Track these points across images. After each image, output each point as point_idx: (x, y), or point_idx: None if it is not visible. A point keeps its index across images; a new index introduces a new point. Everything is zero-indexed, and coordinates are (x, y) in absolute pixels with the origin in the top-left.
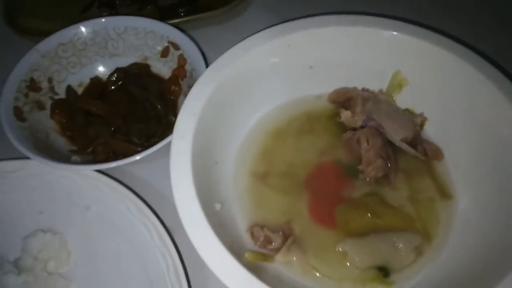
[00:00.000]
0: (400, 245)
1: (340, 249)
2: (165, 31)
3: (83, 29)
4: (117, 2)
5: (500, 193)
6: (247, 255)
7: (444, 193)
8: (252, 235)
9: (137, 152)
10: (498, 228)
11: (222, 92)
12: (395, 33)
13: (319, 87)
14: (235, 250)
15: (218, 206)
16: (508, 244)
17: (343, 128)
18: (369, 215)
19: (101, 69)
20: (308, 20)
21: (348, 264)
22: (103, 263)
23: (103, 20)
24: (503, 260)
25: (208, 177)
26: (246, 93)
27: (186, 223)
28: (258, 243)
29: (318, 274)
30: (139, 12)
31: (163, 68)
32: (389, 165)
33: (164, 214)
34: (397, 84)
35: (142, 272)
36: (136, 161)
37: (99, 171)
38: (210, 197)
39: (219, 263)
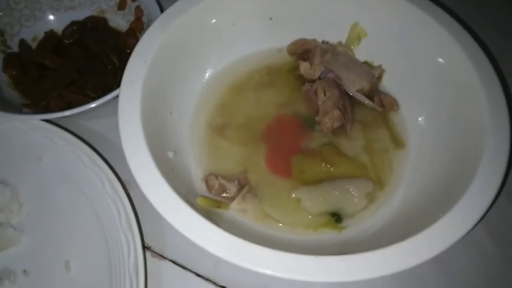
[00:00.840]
0: (353, 192)
1: (294, 195)
2: None
3: None
4: None
5: (447, 140)
6: (198, 200)
7: (398, 142)
8: (207, 183)
9: None
10: (443, 172)
11: (175, 41)
12: None
13: (280, 40)
14: (190, 198)
15: (171, 154)
16: (451, 186)
17: (302, 81)
18: (323, 164)
19: (56, 22)
20: None
21: (301, 210)
22: (56, 214)
23: None
24: (446, 199)
25: (161, 125)
26: (202, 44)
27: (135, 168)
28: (212, 191)
29: (272, 221)
30: None
31: (120, 21)
32: (345, 116)
33: (120, 167)
34: (355, 36)
35: (94, 221)
36: (93, 114)
37: (51, 122)
38: (162, 144)
39: (169, 208)
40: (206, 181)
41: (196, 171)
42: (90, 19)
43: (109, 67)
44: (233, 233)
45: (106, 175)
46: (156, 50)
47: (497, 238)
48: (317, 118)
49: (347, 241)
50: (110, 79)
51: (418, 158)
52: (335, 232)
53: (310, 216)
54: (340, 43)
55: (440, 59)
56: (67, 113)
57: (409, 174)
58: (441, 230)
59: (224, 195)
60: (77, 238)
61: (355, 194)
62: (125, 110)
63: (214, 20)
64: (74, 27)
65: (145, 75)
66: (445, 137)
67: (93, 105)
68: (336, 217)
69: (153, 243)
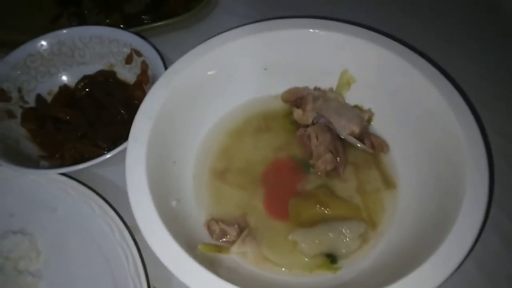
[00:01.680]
0: (346, 233)
1: (291, 238)
2: (127, 38)
3: (49, 40)
4: (86, 12)
5: (435, 179)
6: (200, 247)
7: (389, 183)
8: (209, 228)
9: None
10: (430, 211)
11: (178, 96)
12: (341, 34)
13: (275, 87)
14: (192, 244)
15: (174, 203)
16: (440, 223)
17: (297, 125)
18: (318, 206)
19: (69, 77)
20: (259, 24)
21: (298, 252)
22: (70, 260)
23: (68, 30)
24: (434, 237)
25: (165, 175)
26: (203, 96)
27: (140, 219)
28: (214, 236)
29: (270, 263)
30: (106, 19)
31: (128, 75)
32: (338, 159)
33: (128, 213)
34: (345, 82)
35: (105, 266)
36: (103, 163)
37: (66, 175)
38: (166, 194)
39: (171, 257)
40: (208, 226)
41: (198, 217)
42: (100, 72)
43: (118, 118)
44: (233, 281)
45: (115, 223)
46: (159, 107)
47: (483, 269)
48: (311, 161)
49: (341, 283)
50: (120, 130)
51: (407, 197)
52: (330, 273)
53: (306, 259)
54: (331, 89)
55: (423, 104)
56: (80, 166)
57: (400, 214)
58: (431, 268)
59: (225, 239)
60: (89, 282)
61: (348, 236)
62: (131, 165)
63: (212, 72)
64: (86, 81)
65: (149, 131)
66: (430, 176)
67: (104, 158)
68: (331, 258)
69: (159, 285)
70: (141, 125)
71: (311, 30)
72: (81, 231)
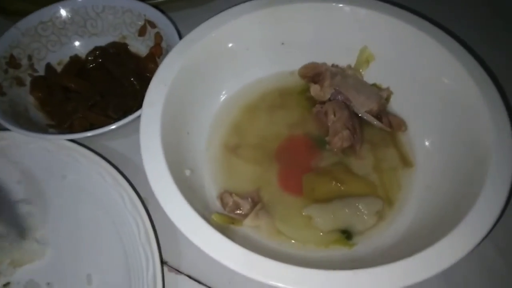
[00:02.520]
0: (362, 209)
1: (306, 213)
2: (142, 9)
3: (62, 8)
4: None
5: (453, 159)
6: (214, 216)
7: (406, 161)
8: (222, 201)
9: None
10: (451, 193)
11: (193, 65)
12: (362, 9)
13: (292, 63)
14: (205, 214)
15: (188, 172)
16: (457, 204)
17: (313, 102)
18: (333, 182)
19: (80, 47)
20: None
21: (312, 227)
22: (78, 229)
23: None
24: (453, 217)
25: (179, 145)
26: (218, 68)
27: (155, 185)
28: (227, 208)
29: (284, 237)
30: None
31: (140, 47)
32: (354, 136)
33: (139, 185)
34: (364, 59)
35: (115, 235)
36: (114, 134)
37: (76, 142)
38: (180, 163)
39: (187, 223)
40: (221, 198)
41: (211, 189)
42: (112, 44)
43: (130, 89)
44: (247, 248)
45: (127, 193)
46: (175, 74)
47: (503, 253)
48: (327, 138)
49: (357, 257)
50: (131, 101)
51: (426, 177)
52: (345, 249)
53: (321, 233)
54: (349, 67)
55: (445, 81)
56: (89, 133)
57: (418, 193)
58: (448, 246)
59: (238, 212)
60: (99, 252)
61: (365, 212)
62: (147, 130)
63: (229, 45)
64: (97, 52)
65: (165, 97)
66: (451, 156)
67: (114, 126)
68: (347, 234)
69: (169, 258)
70: (157, 91)
71: (332, 4)
72: (91, 199)
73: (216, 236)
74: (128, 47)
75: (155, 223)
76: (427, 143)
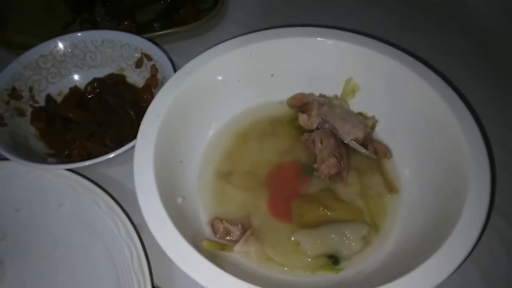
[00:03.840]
0: (349, 235)
1: (294, 239)
2: (139, 43)
3: (62, 42)
4: (98, 19)
5: (437, 186)
6: (204, 243)
7: (391, 188)
8: (213, 227)
9: None
10: (431, 216)
11: (186, 97)
12: (344, 42)
13: (281, 93)
14: (196, 241)
15: (180, 200)
16: (441, 227)
17: (302, 130)
18: (321, 208)
19: (79, 79)
20: (268, 32)
21: (300, 253)
22: (74, 256)
23: (82, 34)
24: (434, 240)
25: (172, 173)
26: (210, 99)
27: (146, 214)
28: (218, 234)
29: (273, 263)
30: (117, 27)
31: (137, 78)
32: (341, 163)
33: (134, 211)
34: (350, 89)
35: (109, 263)
36: (110, 163)
37: (73, 171)
38: (172, 191)
39: (177, 250)
40: (212, 225)
41: (202, 216)
42: (110, 76)
43: (126, 119)
44: (237, 276)
45: (121, 220)
46: (168, 107)
47: (486, 274)
48: (315, 165)
49: (343, 283)
50: (127, 131)
51: (409, 203)
52: (332, 274)
53: (309, 259)
54: (335, 96)
55: (426, 112)
56: (87, 163)
57: (402, 218)
58: (430, 269)
59: (228, 238)
60: (93, 278)
61: (351, 238)
62: (140, 161)
63: (220, 78)
64: (96, 83)
65: (158, 129)
66: (432, 183)
67: (111, 155)
68: (333, 259)
69: (163, 284)
70: (150, 123)
71: (318, 39)
72: (86, 226)
73: (205, 264)
74: (126, 78)
75: (148, 248)
76: (408, 170)
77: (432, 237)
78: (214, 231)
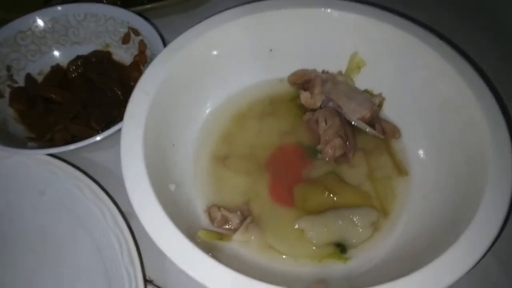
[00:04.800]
0: (357, 221)
1: (298, 226)
2: (125, 17)
3: (42, 17)
4: None
5: (450, 168)
6: (200, 233)
7: (401, 170)
8: (210, 215)
9: None
10: (449, 202)
11: (178, 74)
12: (351, 14)
13: (281, 70)
14: (191, 231)
15: (173, 187)
16: (455, 215)
17: (304, 109)
18: (326, 193)
19: (62, 57)
20: (266, 2)
21: (305, 241)
22: (58, 247)
23: (62, 7)
24: (452, 229)
25: (163, 158)
26: (204, 76)
27: (135, 201)
28: (215, 223)
29: (275, 252)
30: (103, 1)
31: (124, 55)
32: (347, 144)
33: (122, 199)
34: (355, 65)
35: (96, 254)
36: (96, 146)
37: (55, 156)
38: (164, 177)
39: (169, 242)
40: (209, 213)
41: (198, 203)
42: (95, 53)
43: (113, 99)
44: (235, 268)
45: (107, 208)
46: (158, 84)
47: (507, 268)
48: (318, 147)
49: (352, 273)
50: (114, 112)
51: (422, 186)
52: (339, 263)
53: (314, 247)
54: (340, 73)
55: (440, 87)
56: (71, 147)
57: (414, 202)
58: (448, 262)
59: (227, 226)
60: (79, 270)
61: (359, 224)
62: (128, 144)
63: (215, 52)
64: (79, 61)
65: (147, 108)
66: (447, 165)
67: (97, 138)
68: (341, 248)
69: (155, 276)
70: (139, 102)
71: (321, 9)
72: (71, 216)
73: (201, 257)
74: (112, 55)
75: (139, 239)
76: (421, 151)
77: (450, 224)
78: (211, 219)
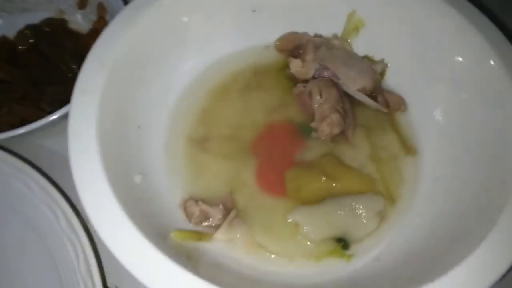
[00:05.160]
0: (361, 211)
1: (291, 219)
2: None
3: None
4: None
5: (469, 143)
6: (173, 235)
7: (408, 148)
8: (186, 211)
9: None
10: (471, 184)
11: (143, 40)
12: None
13: (266, 34)
14: (162, 232)
15: (138, 178)
16: (481, 200)
17: (294, 81)
18: (323, 178)
19: (8, 27)
20: None
21: (300, 237)
22: (4, 254)
23: None
24: (479, 216)
25: (126, 143)
26: (175, 43)
27: (87, 200)
28: (192, 220)
29: (265, 252)
30: None
31: (82, 22)
32: (346, 120)
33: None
34: (353, 26)
35: (48, 261)
36: (49, 131)
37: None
38: (127, 167)
39: (131, 252)
40: (184, 208)
41: (171, 196)
42: (47, 21)
43: (69, 75)
44: (217, 278)
45: (61, 209)
46: (117, 52)
47: None
48: (313, 124)
49: (357, 275)
50: (69, 89)
51: (434, 166)
52: (341, 262)
53: (311, 244)
54: (335, 36)
55: (457, 53)
56: (19, 131)
57: (426, 186)
58: (479, 265)
59: (207, 223)
60: (29, 280)
61: (364, 214)
62: (77, 127)
63: (187, 14)
64: (29, 32)
65: (103, 83)
66: (465, 140)
67: (49, 119)
68: (343, 243)
69: (121, 283)
70: (92, 75)
71: None
72: (18, 218)
73: (170, 268)
74: (67, 23)
75: (99, 243)
76: (432, 125)
77: (475, 210)
78: (188, 215)
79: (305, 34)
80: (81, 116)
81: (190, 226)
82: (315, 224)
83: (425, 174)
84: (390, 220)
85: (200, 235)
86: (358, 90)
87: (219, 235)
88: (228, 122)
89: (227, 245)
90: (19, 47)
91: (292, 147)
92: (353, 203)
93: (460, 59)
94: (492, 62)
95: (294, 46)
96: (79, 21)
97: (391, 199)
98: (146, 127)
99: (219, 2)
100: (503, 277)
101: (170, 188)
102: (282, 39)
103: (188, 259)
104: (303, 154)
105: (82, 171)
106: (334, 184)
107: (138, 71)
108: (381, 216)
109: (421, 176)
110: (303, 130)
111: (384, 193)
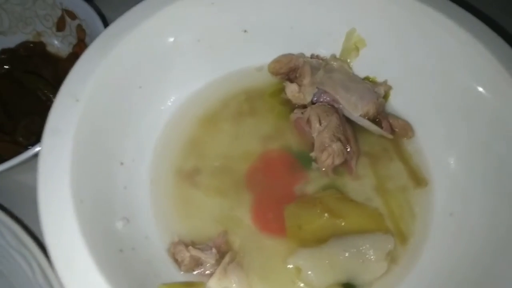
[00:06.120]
0: (369, 252)
1: (292, 265)
2: None
3: None
4: None
5: (487, 176)
6: None
7: (418, 178)
8: (174, 256)
9: None
10: (488, 221)
11: (122, 67)
12: None
13: (259, 56)
14: (149, 285)
15: (120, 224)
16: (503, 239)
17: (291, 106)
18: (326, 215)
19: None
20: None
21: (302, 284)
22: None
23: None
24: (498, 262)
25: (106, 184)
26: (160, 68)
27: (57, 260)
28: (182, 267)
29: None
30: None
31: (61, 46)
32: (348, 149)
33: None
34: (352, 46)
35: None
36: (25, 167)
37: None
38: (106, 213)
39: None
40: (173, 254)
41: (158, 241)
42: (24, 45)
43: (47, 104)
44: None
45: (36, 261)
46: (92, 84)
47: None
48: (312, 154)
49: None
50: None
51: (448, 199)
52: None
53: None
54: (333, 57)
55: (464, 72)
56: None
57: (439, 222)
58: None
59: (199, 270)
60: None
61: (372, 256)
62: (47, 174)
63: (172, 38)
64: (3, 56)
65: (77, 119)
66: (482, 170)
67: (24, 157)
68: None
69: None
70: (65, 111)
71: None
72: None
73: None
74: (46, 47)
75: None
76: (443, 153)
77: (498, 250)
78: (177, 262)
79: (301, 55)
80: (52, 160)
81: (180, 275)
82: (318, 268)
83: (437, 208)
84: (401, 261)
85: (191, 286)
86: (360, 115)
87: (213, 284)
88: (219, 153)
89: None
90: None
91: (290, 180)
92: (360, 243)
93: (472, 81)
94: (502, 90)
95: (289, 69)
96: (58, 45)
97: (401, 237)
98: (130, 163)
99: (206, 23)
100: None
101: (157, 231)
102: (277, 61)
103: None
104: (303, 187)
105: (52, 225)
106: (337, 222)
107: (117, 102)
108: (391, 258)
109: (433, 210)
110: (301, 160)
111: (394, 231)
